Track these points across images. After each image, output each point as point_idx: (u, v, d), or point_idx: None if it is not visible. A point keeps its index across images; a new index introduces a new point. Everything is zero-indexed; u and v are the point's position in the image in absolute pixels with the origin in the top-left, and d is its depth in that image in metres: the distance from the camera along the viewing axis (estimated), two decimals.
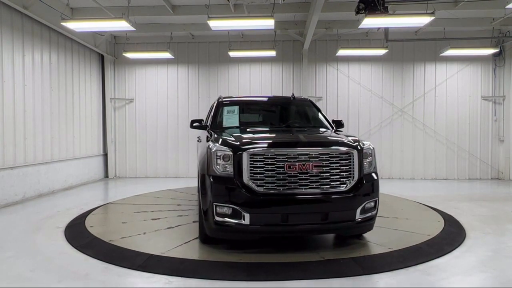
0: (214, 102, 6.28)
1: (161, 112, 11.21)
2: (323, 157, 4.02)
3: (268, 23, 7.41)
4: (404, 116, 10.83)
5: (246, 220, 3.87)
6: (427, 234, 4.97)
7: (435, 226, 5.34)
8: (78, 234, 5.10)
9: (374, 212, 4.31)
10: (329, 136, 4.68)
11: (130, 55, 10.33)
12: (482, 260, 4.12)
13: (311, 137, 4.75)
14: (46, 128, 8.41)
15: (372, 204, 4.26)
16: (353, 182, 4.11)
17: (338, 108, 10.76)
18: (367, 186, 4.18)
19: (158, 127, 11.23)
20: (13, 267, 3.97)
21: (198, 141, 6.34)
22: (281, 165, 3.94)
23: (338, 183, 4.06)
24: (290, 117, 5.92)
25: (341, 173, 4.07)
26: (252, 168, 3.94)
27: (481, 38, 9.95)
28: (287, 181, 3.94)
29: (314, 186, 3.98)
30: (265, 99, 6.82)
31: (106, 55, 10.85)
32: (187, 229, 5.24)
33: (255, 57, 10.77)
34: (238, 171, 3.96)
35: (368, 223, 4.28)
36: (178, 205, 6.81)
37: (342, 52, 9.87)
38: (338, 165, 4.06)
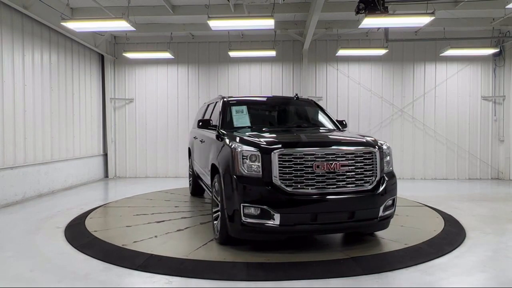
0: (216, 102, 6.26)
1: (161, 112, 11.21)
2: (348, 156, 4.10)
3: (268, 23, 7.41)
4: (404, 116, 10.83)
5: (276, 220, 3.87)
6: (433, 229, 5.10)
7: (435, 225, 5.34)
8: (78, 234, 5.10)
9: (392, 210, 4.42)
10: (351, 136, 4.79)
11: (130, 55, 10.33)
12: (482, 260, 4.12)
13: (334, 137, 4.81)
14: (46, 128, 8.41)
15: (391, 202, 4.36)
16: (375, 181, 4.20)
17: (338, 108, 10.76)
18: (387, 185, 4.28)
19: (158, 127, 11.23)
20: (13, 267, 3.97)
21: (201, 141, 6.21)
22: (309, 165, 3.97)
23: (363, 181, 4.13)
24: (298, 117, 6.01)
25: (365, 172, 4.15)
26: (281, 168, 3.94)
27: (481, 38, 9.95)
28: (315, 180, 3.98)
29: (341, 185, 4.05)
30: (271, 99, 6.77)
31: (106, 55, 10.85)
32: (198, 231, 5.17)
33: (255, 57, 10.77)
34: (266, 171, 3.96)
35: (387, 220, 4.41)
36: (176, 206, 6.72)
37: (342, 52, 9.87)
38: (362, 164, 4.15)
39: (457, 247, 4.52)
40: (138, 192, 8.27)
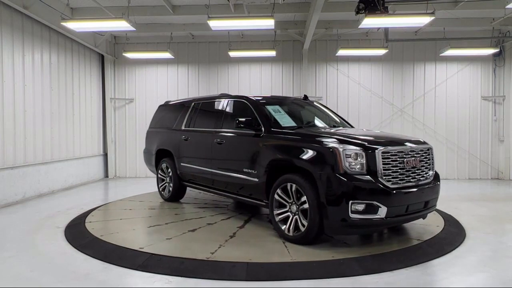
0: (225, 101, 6.08)
1: None
2: (421, 153, 4.66)
3: (268, 23, 7.41)
4: (404, 116, 10.83)
5: (382, 213, 4.11)
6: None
7: (435, 225, 5.34)
8: (78, 234, 5.10)
9: None
10: (407, 136, 5.34)
11: (130, 55, 10.33)
12: (482, 260, 4.13)
13: (402, 136, 5.27)
14: (46, 128, 8.41)
15: None
16: (433, 174, 4.80)
17: (338, 108, 10.75)
18: (438, 177, 4.92)
19: None
20: (13, 267, 3.98)
21: (218, 143, 5.79)
22: (401, 161, 4.39)
23: (428, 175, 4.68)
24: (325, 117, 6.14)
25: (428, 166, 4.73)
26: (383, 165, 4.24)
27: (481, 38, 9.95)
28: (405, 175, 4.39)
29: (418, 178, 4.53)
30: (291, 99, 6.56)
31: (106, 55, 10.85)
32: (252, 235, 4.95)
33: (255, 57, 10.76)
34: (371, 168, 4.20)
35: None
36: (176, 214, 6.19)
37: (342, 52, 9.87)
38: (427, 159, 4.72)
39: (457, 247, 4.53)
40: (139, 192, 8.26)
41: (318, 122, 5.92)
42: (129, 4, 8.04)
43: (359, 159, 4.18)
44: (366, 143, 4.33)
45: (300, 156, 4.51)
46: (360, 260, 4.02)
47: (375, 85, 10.87)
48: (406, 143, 4.60)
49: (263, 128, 5.13)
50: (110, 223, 5.77)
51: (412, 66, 10.83)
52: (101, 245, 4.58)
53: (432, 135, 10.74)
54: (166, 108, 7.72)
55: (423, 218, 4.88)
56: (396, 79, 10.86)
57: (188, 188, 7.04)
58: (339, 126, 5.90)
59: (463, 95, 10.78)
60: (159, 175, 7.40)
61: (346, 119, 10.40)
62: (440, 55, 10.08)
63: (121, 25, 7.42)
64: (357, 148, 4.23)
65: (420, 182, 4.52)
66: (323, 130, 5.27)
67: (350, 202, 4.05)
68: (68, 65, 9.35)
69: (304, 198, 4.38)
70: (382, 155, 4.23)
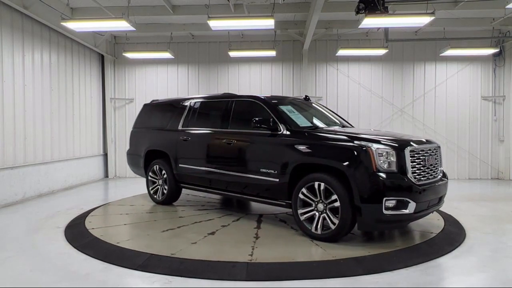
0: (231, 100, 5.95)
1: None
2: (434, 151, 4.96)
3: (268, 23, 7.41)
4: (404, 116, 10.83)
5: (411, 209, 4.31)
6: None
7: (435, 225, 5.34)
8: (78, 234, 5.09)
9: None
10: (414, 135, 5.69)
11: (130, 55, 10.34)
12: (482, 260, 4.13)
13: (412, 135, 5.51)
14: (46, 128, 8.41)
15: None
16: (442, 171, 5.11)
17: (338, 108, 10.75)
18: (446, 174, 5.20)
19: None
20: (13, 267, 3.98)
21: (227, 143, 5.61)
22: (423, 159, 4.65)
23: (438, 171, 4.97)
24: (330, 117, 6.20)
25: (438, 162, 5.03)
26: (411, 163, 4.47)
27: (481, 38, 9.95)
28: (426, 172, 4.66)
29: (434, 174, 4.82)
30: (295, 99, 6.43)
31: (106, 55, 10.85)
32: (277, 235, 4.93)
33: (255, 57, 10.76)
34: (400, 166, 4.40)
35: None
36: (180, 217, 5.95)
37: (342, 52, 9.87)
38: (438, 157, 5.04)
39: (457, 247, 4.53)
40: (138, 193, 8.26)
41: (326, 123, 5.90)
42: (129, 4, 8.04)
43: (389, 158, 4.36)
44: (395, 143, 4.52)
45: (332, 156, 4.59)
46: (360, 260, 4.02)
47: (375, 85, 10.87)
48: (424, 143, 4.83)
49: (281, 128, 5.09)
50: (116, 228, 5.44)
51: (412, 66, 10.83)
52: (101, 245, 4.58)
53: (432, 135, 10.73)
54: (154, 107, 7.32)
55: (431, 213, 5.08)
56: (396, 79, 10.86)
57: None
58: (347, 126, 6.00)
59: (463, 95, 10.78)
60: (149, 178, 6.99)
61: (346, 119, 10.39)
62: (440, 55, 10.08)
63: (121, 25, 7.42)
64: (388, 147, 4.41)
65: (435, 179, 4.77)
66: (342, 130, 5.29)
67: (384, 199, 4.21)
68: (68, 65, 9.35)
69: (334, 197, 4.45)
70: (410, 153, 4.45)
